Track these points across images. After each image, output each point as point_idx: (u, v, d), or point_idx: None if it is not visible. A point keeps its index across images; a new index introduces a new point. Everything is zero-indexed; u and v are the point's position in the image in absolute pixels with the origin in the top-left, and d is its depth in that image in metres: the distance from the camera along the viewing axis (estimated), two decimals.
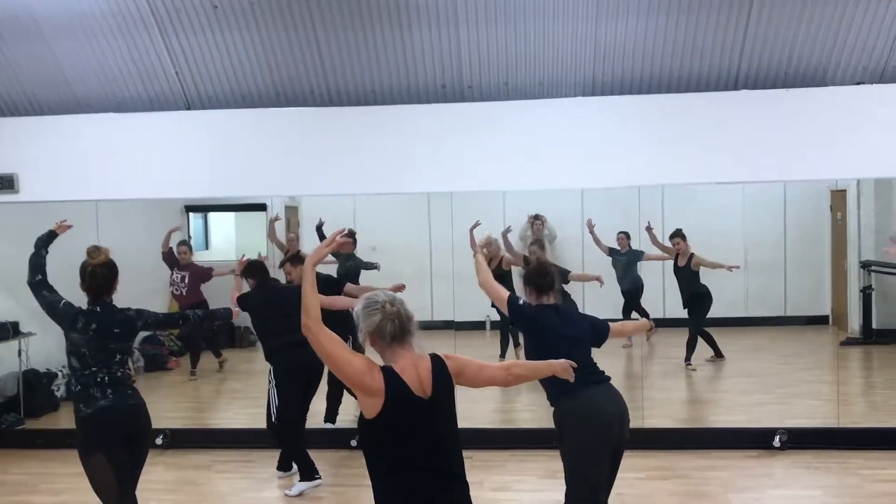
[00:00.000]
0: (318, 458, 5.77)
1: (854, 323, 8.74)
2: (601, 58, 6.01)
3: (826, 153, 5.98)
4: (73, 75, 6.36)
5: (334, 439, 6.44)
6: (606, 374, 4.02)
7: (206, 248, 10.32)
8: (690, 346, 8.09)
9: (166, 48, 6.11)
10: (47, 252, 4.26)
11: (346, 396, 6.69)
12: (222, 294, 6.39)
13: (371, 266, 7.99)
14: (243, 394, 8.28)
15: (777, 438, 6.12)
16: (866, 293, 8.49)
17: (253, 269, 5.83)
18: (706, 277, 8.03)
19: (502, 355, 8.08)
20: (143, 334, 6.39)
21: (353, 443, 6.20)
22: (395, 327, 2.79)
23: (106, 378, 3.91)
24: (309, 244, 8.80)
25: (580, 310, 7.50)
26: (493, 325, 8.98)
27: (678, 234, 8.14)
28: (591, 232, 8.34)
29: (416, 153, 6.25)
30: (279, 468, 5.95)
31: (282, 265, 6.19)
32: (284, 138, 6.37)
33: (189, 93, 6.40)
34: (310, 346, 2.76)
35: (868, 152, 5.94)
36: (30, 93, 6.53)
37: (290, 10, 5.77)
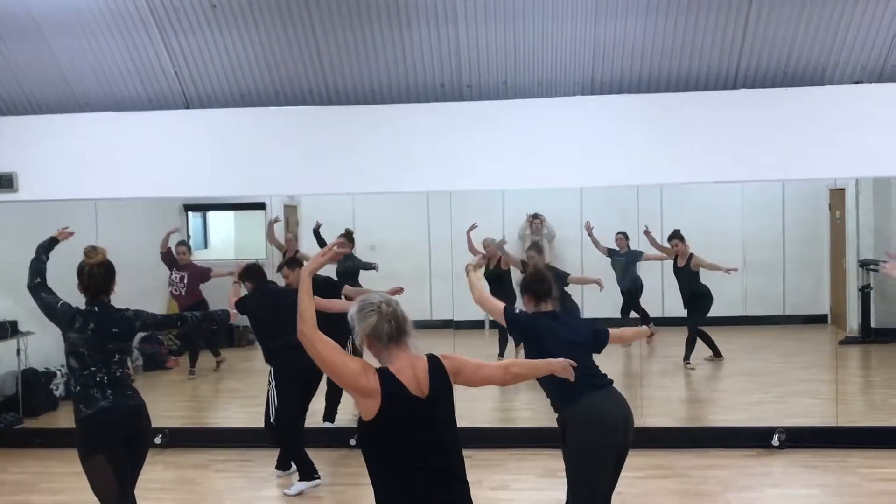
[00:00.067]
0: (317, 457, 5.77)
1: (853, 322, 8.74)
2: (600, 57, 6.01)
3: (825, 152, 5.99)
4: (71, 74, 6.35)
5: (333, 438, 6.44)
6: (609, 377, 4.01)
7: (205, 247, 10.32)
8: (689, 346, 8.09)
9: (165, 47, 6.10)
10: (48, 258, 4.26)
11: (345, 396, 6.69)
12: (221, 294, 6.39)
13: (369, 266, 7.99)
14: (242, 393, 8.28)
15: (776, 437, 6.12)
16: (865, 292, 8.50)
17: (250, 272, 5.83)
18: (706, 277, 8.03)
19: (501, 354, 8.08)
20: (141, 333, 6.39)
21: (352, 442, 6.20)
22: (392, 327, 2.79)
23: (105, 378, 3.90)
24: (308, 244, 8.80)
25: (580, 309, 7.57)
26: (493, 324, 8.98)
27: (676, 236, 8.14)
28: (590, 234, 8.34)
29: (415, 152, 6.25)
30: (278, 467, 5.95)
31: (279, 269, 6.20)
32: (283, 137, 6.37)
33: (188, 92, 6.40)
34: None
35: (866, 151, 5.95)
36: (28, 92, 6.52)
37: (289, 9, 5.77)
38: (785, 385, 7.73)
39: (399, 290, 6.04)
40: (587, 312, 7.58)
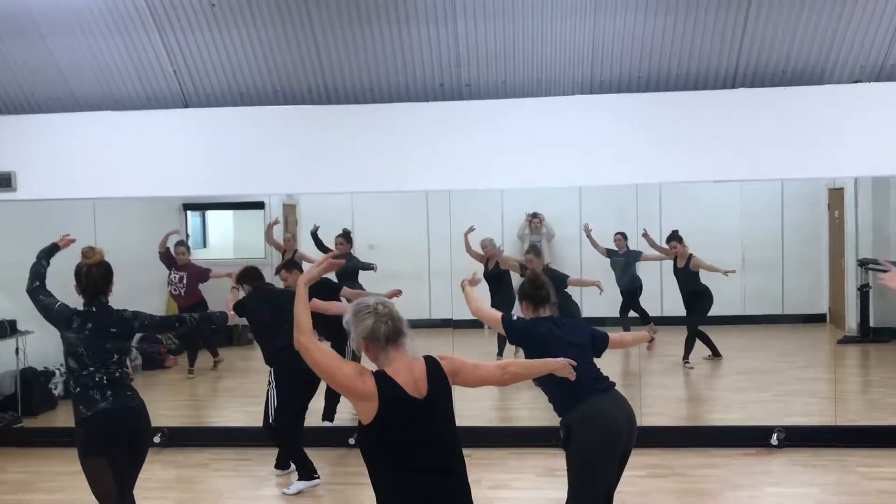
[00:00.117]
0: (316, 456, 5.77)
1: (851, 321, 8.75)
2: (599, 56, 6.01)
3: (824, 151, 5.99)
4: (70, 73, 6.35)
5: (332, 438, 6.44)
6: (611, 380, 4.01)
7: (204, 246, 10.30)
8: (688, 345, 8.10)
9: (164, 46, 6.10)
10: (48, 263, 4.25)
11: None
12: (221, 294, 6.39)
13: (368, 266, 7.98)
14: (241, 392, 8.28)
15: (774, 436, 6.12)
16: (864, 291, 8.50)
17: (247, 275, 5.83)
18: (705, 277, 8.04)
19: (500, 354, 8.08)
20: (140, 333, 6.38)
21: (351, 441, 6.20)
22: (389, 328, 2.80)
23: (104, 378, 3.90)
24: (307, 244, 8.80)
25: (580, 308, 7.56)
26: None
27: (674, 237, 8.15)
28: (589, 236, 8.35)
29: (414, 151, 6.25)
30: (277, 466, 5.95)
31: (277, 271, 6.22)
32: (282, 136, 6.36)
33: (187, 91, 6.40)
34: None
35: (866, 150, 5.95)
36: (27, 90, 6.51)
37: (288, 7, 5.77)
38: (784, 384, 7.73)
39: (397, 293, 6.06)
40: (587, 312, 7.58)
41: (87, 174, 6.47)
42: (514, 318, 4.09)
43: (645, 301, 8.56)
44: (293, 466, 5.78)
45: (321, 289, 6.41)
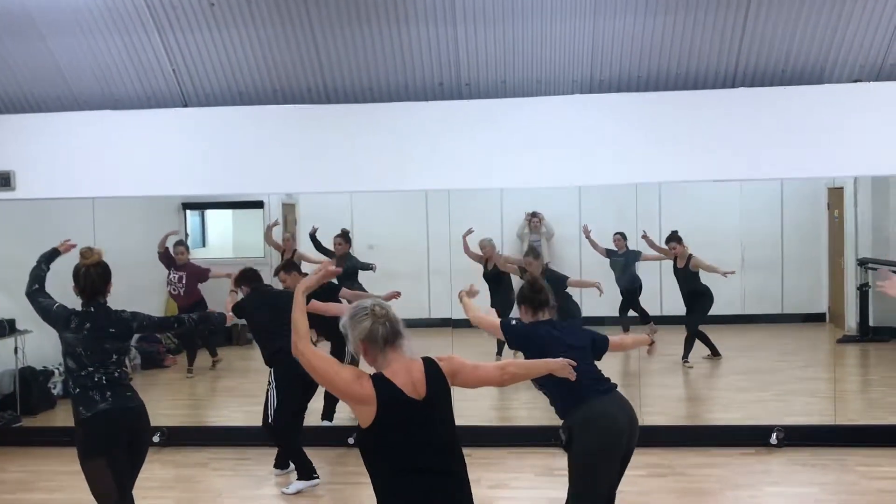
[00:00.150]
0: (315, 455, 5.76)
1: (851, 320, 8.74)
2: (599, 55, 6.01)
3: (823, 151, 5.99)
4: (69, 72, 6.34)
5: (331, 437, 6.43)
6: (612, 381, 4.00)
7: (203, 245, 10.31)
8: (688, 344, 8.10)
9: (163, 45, 6.09)
10: (48, 268, 4.25)
11: None
12: (220, 293, 6.38)
13: (367, 266, 7.98)
14: (240, 391, 8.28)
15: (774, 436, 6.12)
16: (863, 290, 8.50)
17: (245, 277, 5.83)
18: (706, 276, 8.04)
19: (499, 353, 8.08)
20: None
21: (350, 440, 6.19)
22: (387, 330, 2.79)
23: (104, 379, 3.89)
24: (306, 243, 8.79)
25: (580, 308, 7.56)
26: None
27: (673, 238, 8.15)
28: (588, 237, 8.35)
29: (414, 151, 6.24)
30: (276, 466, 5.95)
31: (276, 273, 6.24)
32: (281, 136, 6.36)
33: (186, 90, 6.39)
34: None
35: (865, 150, 5.95)
36: (26, 90, 6.51)
37: (287, 7, 5.76)
38: (783, 383, 7.73)
39: (396, 295, 6.06)
40: (586, 312, 7.58)
41: (87, 173, 6.46)
42: (513, 322, 4.09)
43: (644, 301, 8.56)
44: (292, 466, 5.78)
45: (320, 290, 6.40)
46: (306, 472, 5.62)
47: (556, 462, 5.89)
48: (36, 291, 4.10)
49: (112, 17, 5.92)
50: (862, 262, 8.55)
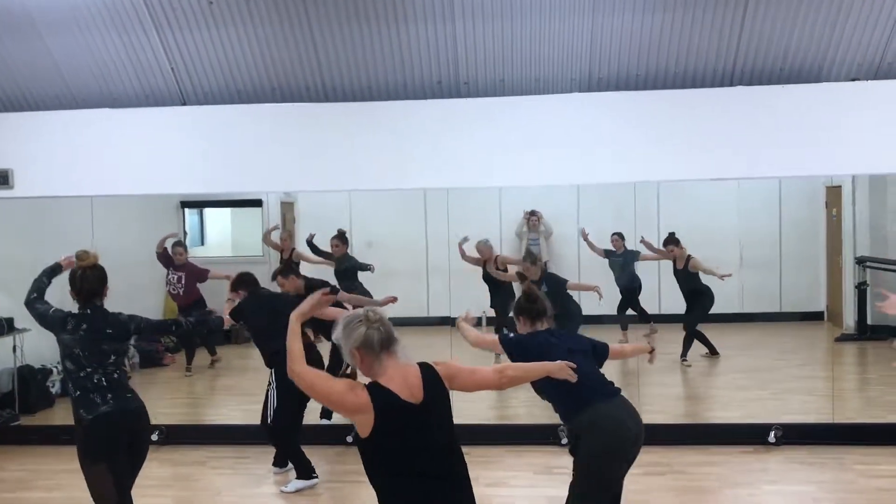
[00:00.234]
0: (314, 454, 5.77)
1: (849, 319, 8.76)
2: (597, 54, 6.01)
3: (821, 149, 5.99)
4: (67, 70, 6.34)
5: (331, 435, 6.43)
6: (616, 385, 3.99)
7: (202, 243, 10.31)
8: (687, 343, 8.11)
9: (161, 43, 6.09)
10: (49, 282, 4.25)
11: None
12: (220, 293, 6.38)
13: (366, 267, 7.99)
14: (239, 390, 8.28)
15: (772, 434, 6.13)
16: (861, 289, 8.51)
17: (242, 281, 5.84)
18: (705, 276, 8.05)
19: (498, 354, 8.08)
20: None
21: (349, 439, 6.19)
22: (382, 334, 2.80)
23: (103, 380, 3.89)
24: (304, 242, 8.80)
25: (580, 308, 7.54)
26: (490, 320, 9.00)
27: (671, 241, 8.16)
28: (586, 240, 8.37)
29: (413, 149, 6.24)
30: (275, 464, 5.95)
31: (274, 277, 6.26)
32: (280, 134, 6.35)
33: (184, 88, 6.38)
34: (309, 352, 2.82)
35: (863, 148, 5.95)
36: (24, 88, 6.50)
37: (286, 5, 5.76)
38: (781, 382, 7.74)
39: (392, 300, 6.08)
40: (587, 312, 7.56)
41: (85, 172, 6.45)
42: (510, 335, 4.10)
43: (643, 300, 8.57)
44: (291, 464, 5.78)
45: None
46: (305, 471, 5.62)
47: (555, 460, 5.90)
48: (34, 300, 4.11)
49: (110, 16, 5.92)
50: (860, 261, 8.56)
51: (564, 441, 6.12)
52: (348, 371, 5.64)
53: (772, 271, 9.23)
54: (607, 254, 8.60)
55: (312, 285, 6.51)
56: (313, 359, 5.60)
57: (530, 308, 4.06)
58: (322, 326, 5.55)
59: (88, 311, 3.94)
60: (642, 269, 8.64)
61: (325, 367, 5.97)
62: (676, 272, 8.19)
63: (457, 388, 2.96)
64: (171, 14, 5.87)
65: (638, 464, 4.89)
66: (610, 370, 4.13)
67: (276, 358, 5.56)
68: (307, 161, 6.33)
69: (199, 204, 9.89)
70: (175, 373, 8.80)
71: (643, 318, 8.69)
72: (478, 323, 8.99)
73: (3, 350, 7.18)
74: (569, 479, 3.91)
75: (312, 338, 6.59)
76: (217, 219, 10.60)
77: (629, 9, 5.70)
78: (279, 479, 5.81)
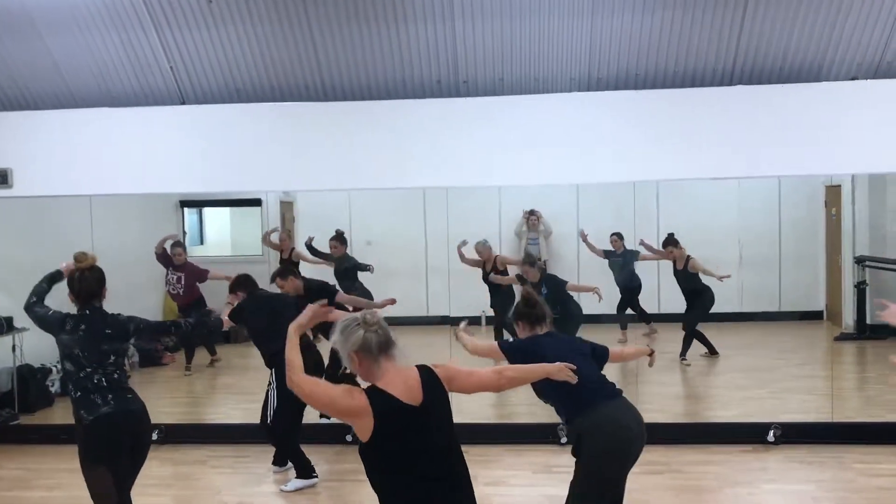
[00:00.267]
0: (314, 453, 5.77)
1: (848, 318, 8.77)
2: (596, 53, 6.01)
3: (821, 148, 5.99)
4: (66, 69, 6.33)
5: (330, 434, 6.43)
6: (618, 387, 3.99)
7: (201, 243, 10.30)
8: (686, 342, 8.11)
9: (160, 42, 6.08)
10: (50, 288, 4.25)
11: None
12: (219, 292, 6.38)
13: (364, 268, 7.99)
14: (238, 389, 8.28)
15: (771, 433, 6.14)
16: (860, 288, 8.52)
17: (240, 283, 5.85)
18: (705, 276, 8.06)
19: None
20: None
21: (349, 438, 6.20)
22: (380, 337, 2.81)
23: (103, 380, 3.88)
24: (303, 240, 8.80)
25: (580, 307, 7.54)
26: (489, 320, 9.00)
27: (670, 242, 8.17)
28: (585, 241, 8.37)
29: (412, 148, 6.24)
30: (274, 463, 5.95)
31: (273, 280, 6.28)
32: (279, 133, 6.35)
33: (183, 87, 6.38)
34: (309, 351, 2.83)
35: (863, 148, 5.95)
36: (23, 87, 6.50)
37: (285, 4, 5.76)
38: (780, 381, 7.75)
39: (391, 302, 6.08)
40: (587, 311, 7.57)
41: (84, 171, 6.45)
42: (509, 340, 4.10)
43: (643, 300, 8.58)
44: (290, 463, 5.78)
45: (318, 293, 6.44)
46: (305, 470, 5.63)
47: (554, 459, 5.90)
48: (33, 304, 4.12)
49: (109, 15, 5.91)
50: (859, 260, 8.56)
51: (564, 440, 6.13)
52: (348, 371, 5.65)
53: (771, 270, 9.23)
54: (607, 254, 8.60)
55: (311, 286, 6.52)
56: (313, 359, 5.61)
57: (529, 313, 4.07)
58: (322, 327, 5.55)
59: (87, 312, 3.94)
60: (642, 269, 8.65)
61: (325, 366, 5.97)
62: (676, 273, 8.20)
63: (456, 389, 2.97)
64: (170, 13, 5.87)
65: (637, 462, 4.90)
66: (609, 369, 4.12)
67: (276, 358, 5.56)
68: (306, 160, 6.33)
69: (199, 203, 9.89)
70: (174, 372, 8.80)
71: (642, 318, 8.69)
72: (475, 322, 9.00)
73: (3, 349, 7.18)
74: (568, 477, 3.91)
75: (311, 338, 6.59)
76: (216, 218, 10.60)
77: (629, 8, 5.70)
78: (279, 478, 5.82)
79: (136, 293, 8.27)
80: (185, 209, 9.58)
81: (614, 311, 8.57)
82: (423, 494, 2.76)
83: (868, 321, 8.53)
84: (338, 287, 7.20)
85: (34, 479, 5.95)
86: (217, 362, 8.79)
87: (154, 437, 6.30)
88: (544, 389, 3.87)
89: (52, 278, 4.26)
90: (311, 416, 6.34)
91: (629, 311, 8.64)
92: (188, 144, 6.42)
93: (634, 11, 5.71)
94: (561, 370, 3.27)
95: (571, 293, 7.44)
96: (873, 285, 8.51)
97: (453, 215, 7.22)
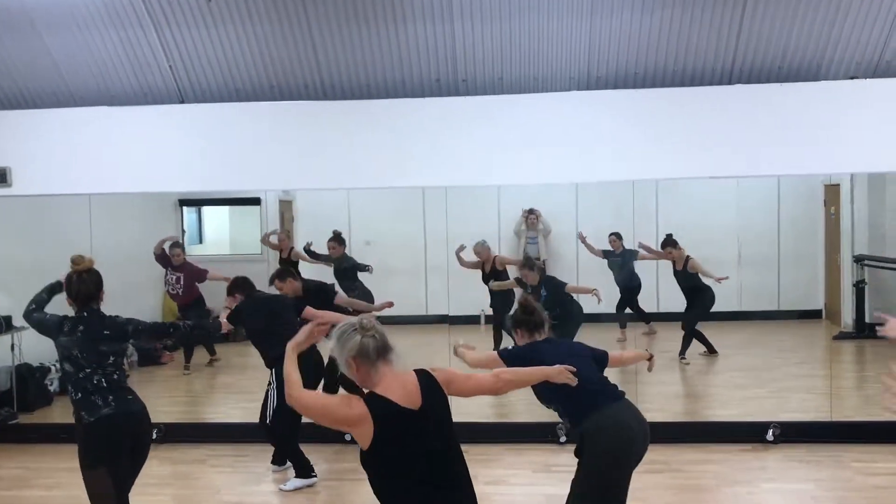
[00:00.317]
0: (313, 452, 5.77)
1: (847, 317, 8.77)
2: (595, 52, 6.01)
3: (820, 147, 5.99)
4: (65, 68, 6.33)
5: (329, 433, 6.40)
6: (620, 389, 3.99)
7: (200, 241, 10.30)
8: (686, 341, 8.12)
9: (160, 41, 6.08)
10: (50, 298, 4.26)
11: (341, 391, 6.69)
12: (219, 292, 6.37)
13: (364, 268, 7.99)
14: (237, 388, 8.28)
15: (770, 432, 6.14)
16: (859, 287, 8.52)
17: (238, 285, 5.85)
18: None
19: (496, 350, 8.08)
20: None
21: (348, 437, 6.18)
22: (378, 342, 2.80)
23: (103, 381, 3.88)
24: (302, 239, 8.80)
25: (581, 307, 7.54)
26: (488, 319, 9.01)
27: (669, 243, 8.17)
28: (584, 242, 8.37)
29: (411, 147, 6.24)
30: (274, 462, 5.95)
31: (271, 282, 6.30)
32: (278, 132, 6.35)
33: (182, 86, 6.38)
34: (310, 351, 2.85)
35: (862, 147, 5.96)
36: (22, 86, 6.49)
37: (284, 3, 5.75)
38: (779, 380, 7.75)
39: (389, 304, 6.08)
40: (587, 309, 7.57)
41: (83, 170, 6.44)
42: (509, 348, 4.10)
43: (642, 299, 8.58)
44: (290, 462, 5.78)
45: (316, 294, 6.46)
46: (304, 470, 5.63)
47: (554, 458, 5.91)
48: (32, 310, 4.13)
49: (108, 13, 5.91)
50: (858, 259, 8.57)
51: (563, 439, 6.13)
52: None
53: (770, 269, 9.24)
54: (606, 254, 8.61)
55: (310, 287, 6.53)
56: (313, 359, 5.61)
57: (528, 320, 4.08)
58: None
59: (85, 314, 3.94)
60: (641, 269, 8.65)
61: (325, 365, 5.97)
62: (676, 273, 8.21)
63: (454, 393, 2.97)
64: (169, 12, 5.87)
65: None
66: (609, 370, 4.12)
67: (275, 360, 5.57)
68: (305, 159, 6.33)
69: (198, 202, 9.88)
70: (173, 371, 8.80)
71: (641, 317, 8.70)
72: (474, 321, 9.00)
73: (2, 348, 7.17)
74: (568, 477, 3.91)
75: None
76: (215, 217, 10.59)
77: (628, 7, 5.70)
78: (278, 477, 5.82)
79: (135, 292, 8.26)
80: (184, 208, 9.58)
81: (614, 311, 8.58)
82: (424, 498, 2.76)
83: (867, 320, 8.53)
84: (337, 288, 7.22)
85: (33, 478, 5.95)
86: (216, 362, 8.79)
87: (153, 436, 6.31)
88: (544, 393, 3.87)
89: (52, 289, 4.26)
90: None
91: (628, 310, 8.65)
92: (187, 143, 6.41)
93: (633, 10, 5.71)
94: (560, 373, 3.27)
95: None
96: (872, 284, 8.51)
97: (452, 214, 7.21)
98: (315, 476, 5.64)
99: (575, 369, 3.31)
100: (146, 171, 6.43)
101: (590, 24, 5.81)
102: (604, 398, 3.83)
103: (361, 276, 8.03)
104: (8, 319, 7.09)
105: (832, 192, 8.89)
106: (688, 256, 8.09)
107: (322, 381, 6.47)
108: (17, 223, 7.10)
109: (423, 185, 6.59)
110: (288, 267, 7.23)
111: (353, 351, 2.78)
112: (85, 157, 6.44)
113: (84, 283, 3.95)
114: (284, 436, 5.68)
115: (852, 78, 6.03)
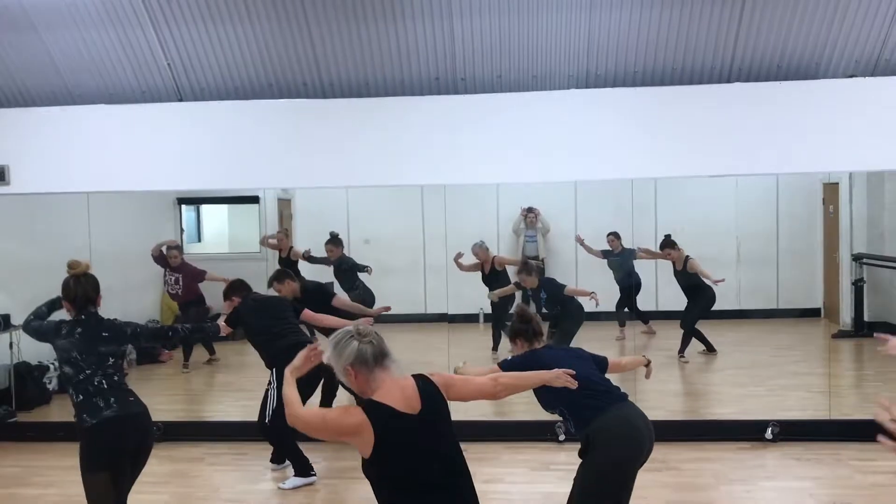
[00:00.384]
0: (312, 450, 5.76)
1: (846, 315, 8.78)
2: (594, 50, 6.01)
3: (819, 146, 5.99)
4: (64, 66, 6.32)
5: None
6: (623, 391, 3.99)
7: (199, 240, 10.30)
8: (685, 339, 8.12)
9: (158, 39, 6.07)
10: (49, 313, 4.24)
11: (340, 390, 6.69)
12: (219, 289, 6.37)
13: (363, 268, 8.00)
14: (236, 386, 8.27)
15: (769, 430, 6.14)
16: (858, 286, 8.53)
17: (234, 288, 5.87)
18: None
19: (495, 348, 8.09)
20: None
21: None
22: (375, 348, 2.80)
23: (104, 383, 3.87)
24: (302, 239, 8.80)
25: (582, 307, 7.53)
26: (487, 318, 9.01)
27: (668, 244, 8.18)
28: (582, 244, 8.36)
29: (410, 145, 6.23)
30: (273, 461, 5.95)
31: (270, 285, 6.31)
32: (277, 130, 6.34)
33: (181, 84, 6.37)
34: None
35: (860, 145, 5.95)
36: (21, 84, 6.48)
37: (283, 1, 5.75)
38: (778, 378, 7.76)
39: (385, 309, 6.09)
40: (586, 308, 7.57)
41: (82, 168, 6.44)
42: (510, 358, 4.10)
43: (641, 298, 8.58)
44: (289, 461, 5.78)
45: (315, 296, 6.46)
46: (303, 469, 5.62)
47: (552, 457, 5.91)
48: (31, 321, 4.13)
49: (107, 11, 5.90)
50: (857, 258, 8.57)
51: (562, 437, 6.14)
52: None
53: (769, 268, 9.25)
54: (605, 254, 8.61)
55: (308, 288, 6.55)
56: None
57: (526, 329, 4.09)
58: (325, 329, 5.61)
59: (83, 317, 3.94)
60: (640, 268, 8.65)
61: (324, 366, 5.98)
62: (676, 273, 8.22)
63: (453, 397, 2.97)
64: (167, 10, 5.86)
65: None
66: (608, 374, 4.12)
67: (279, 358, 5.56)
68: (304, 157, 6.33)
69: (196, 200, 9.89)
70: (172, 369, 8.80)
71: (639, 317, 8.71)
72: (473, 319, 9.00)
73: (0, 346, 7.17)
74: (567, 475, 3.91)
75: (313, 337, 6.60)
76: (214, 215, 10.60)
77: (627, 5, 5.70)
78: (277, 475, 5.81)
79: (134, 290, 8.27)
80: (183, 206, 9.58)
81: (613, 309, 8.58)
82: (430, 502, 2.76)
83: (865, 318, 8.54)
84: (337, 288, 7.22)
85: (31, 476, 5.94)
86: (215, 361, 8.80)
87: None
88: (547, 398, 3.88)
89: (53, 304, 4.26)
90: None
91: (626, 309, 8.66)
92: (186, 142, 6.41)
93: (632, 8, 5.71)
94: (559, 376, 3.27)
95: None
96: (871, 282, 8.53)
97: (451, 212, 7.21)
98: (314, 475, 5.64)
99: (574, 372, 3.31)
100: (145, 170, 6.42)
101: (588, 22, 5.81)
102: (608, 399, 3.84)
103: (362, 275, 8.04)
104: (6, 318, 7.08)
105: (831, 190, 8.89)
106: (687, 256, 8.10)
107: (322, 382, 6.48)
108: (15, 221, 7.10)
109: (422, 184, 6.59)
110: (286, 268, 7.24)
111: (351, 358, 2.78)
112: (83, 156, 6.43)
113: (81, 286, 3.94)
114: (283, 434, 5.68)
115: (851, 76, 6.03)
